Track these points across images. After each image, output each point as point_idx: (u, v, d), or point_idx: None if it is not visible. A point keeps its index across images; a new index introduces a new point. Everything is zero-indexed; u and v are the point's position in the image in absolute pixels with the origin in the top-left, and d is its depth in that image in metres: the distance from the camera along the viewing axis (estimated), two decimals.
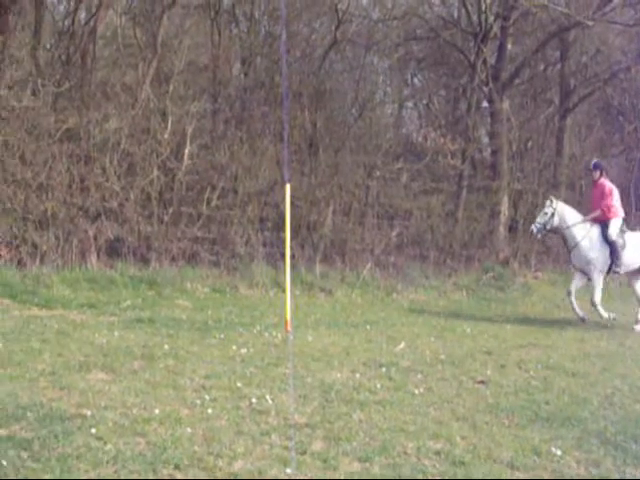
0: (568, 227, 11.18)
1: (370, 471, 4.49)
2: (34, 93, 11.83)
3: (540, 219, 11.37)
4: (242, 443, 4.79)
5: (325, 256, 12.85)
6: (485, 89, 16.61)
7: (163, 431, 4.91)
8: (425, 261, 14.20)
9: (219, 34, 14.66)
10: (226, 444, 4.73)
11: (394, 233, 14.12)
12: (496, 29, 16.66)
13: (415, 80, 21.74)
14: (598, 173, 11.45)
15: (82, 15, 14.77)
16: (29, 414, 5.07)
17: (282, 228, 11.27)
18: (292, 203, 8.70)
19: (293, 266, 8.73)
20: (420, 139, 17.87)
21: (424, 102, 21.22)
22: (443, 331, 9.34)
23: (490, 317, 10.66)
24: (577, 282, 11.20)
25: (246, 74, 15.08)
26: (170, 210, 11.67)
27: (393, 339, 8.49)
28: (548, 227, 11.30)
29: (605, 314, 10.83)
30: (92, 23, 13.92)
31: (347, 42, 16.02)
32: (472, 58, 16.36)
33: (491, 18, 16.22)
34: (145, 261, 11.11)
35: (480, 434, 5.19)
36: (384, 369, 6.91)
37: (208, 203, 12.16)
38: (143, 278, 10.59)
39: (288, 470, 4.40)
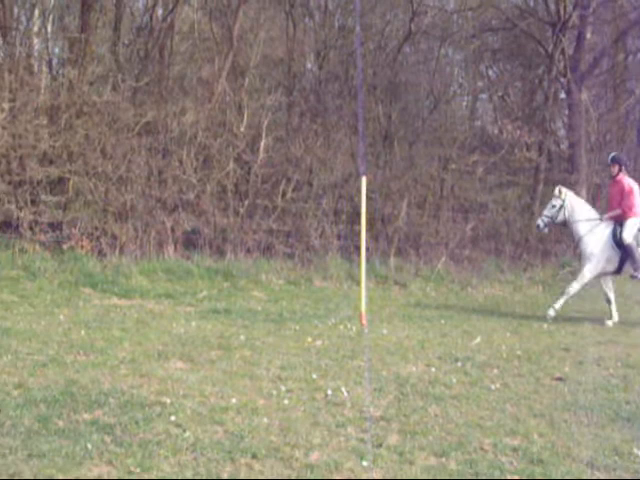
0: (576, 222, 10.45)
1: (446, 466, 4.45)
2: (114, 88, 12.09)
3: (547, 212, 10.61)
4: (318, 434, 4.81)
5: (399, 249, 12.80)
6: (563, 80, 16.25)
7: (240, 420, 4.97)
8: (500, 255, 14.00)
9: (294, 27, 14.71)
10: (302, 435, 4.76)
11: (469, 226, 13.97)
12: (575, 18, 16.25)
13: (490, 72, 21.41)
14: (617, 168, 10.56)
15: (160, 11, 15.03)
16: (111, 400, 5.21)
17: (356, 221, 11.28)
18: (367, 196, 8.67)
19: (367, 259, 8.71)
20: (496, 131, 17.63)
21: (499, 94, 20.88)
22: (519, 326, 9.20)
23: (567, 313, 10.45)
24: (605, 283, 10.46)
25: (320, 67, 15.10)
26: (246, 202, 11.80)
27: (468, 333, 8.40)
28: (556, 221, 10.56)
29: (557, 307, 10.12)
30: (169, 19, 14.14)
31: (422, 34, 15.88)
32: (549, 48, 16.02)
33: (570, 7, 15.84)
34: (221, 253, 11.27)
35: (558, 432, 5.09)
36: (460, 363, 6.84)
37: (283, 195, 12.24)
38: (219, 269, 10.73)
39: (364, 463, 4.40)
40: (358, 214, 10.25)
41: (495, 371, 6.68)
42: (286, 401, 5.41)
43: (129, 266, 10.31)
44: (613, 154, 10.91)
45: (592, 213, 10.58)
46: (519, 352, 7.48)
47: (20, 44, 12.22)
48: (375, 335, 7.90)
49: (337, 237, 12.29)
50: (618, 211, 10.39)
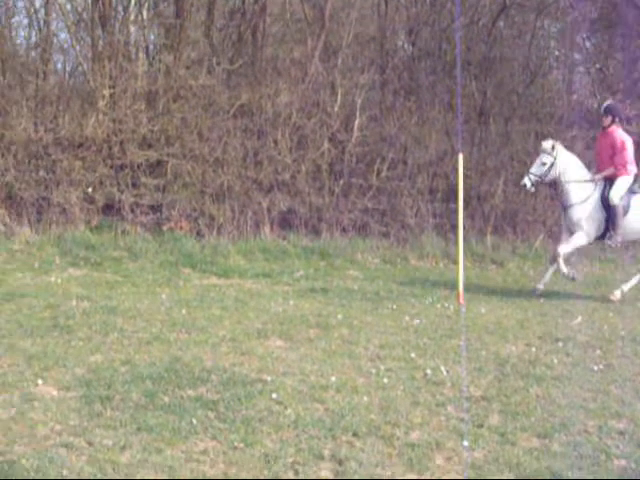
0: (568, 182, 9.35)
1: (550, 448, 4.39)
2: (209, 72, 12.25)
3: (536, 169, 9.41)
4: (418, 413, 4.82)
5: (496, 227, 12.56)
6: None
7: (340, 398, 5.02)
8: None
9: (385, 4, 14.54)
10: (402, 414, 4.77)
11: None
12: None
13: (588, 43, 20.69)
14: (610, 119, 9.43)
15: None
16: (213, 377, 5.34)
17: (452, 199, 11.15)
18: (462, 173, 8.57)
19: (464, 237, 8.58)
20: (595, 105, 17.04)
21: (597, 66, 20.16)
22: (622, 305, 8.92)
23: None
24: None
25: (413, 44, 14.91)
26: (340, 182, 11.79)
27: (569, 313, 8.20)
28: (545, 180, 9.44)
29: (565, 269, 9.25)
30: (262, 1, 14.22)
31: (516, 7, 15.47)
32: None
33: None
34: (316, 232, 11.32)
35: None
36: (560, 344, 6.71)
37: (378, 174, 12.17)
38: (315, 249, 10.79)
39: (465, 443, 4.38)
40: (453, 192, 10.14)
41: (598, 352, 6.52)
42: (385, 380, 5.42)
43: (227, 246, 10.49)
44: (607, 103, 9.86)
45: (585, 173, 9.49)
46: (622, 332, 7.27)
47: (118, 32, 12.53)
48: (473, 314, 7.82)
49: (432, 215, 12.14)
50: (611, 169, 9.37)
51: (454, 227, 8.79)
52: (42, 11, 13.31)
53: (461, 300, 8.40)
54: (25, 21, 14.03)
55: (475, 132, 13.35)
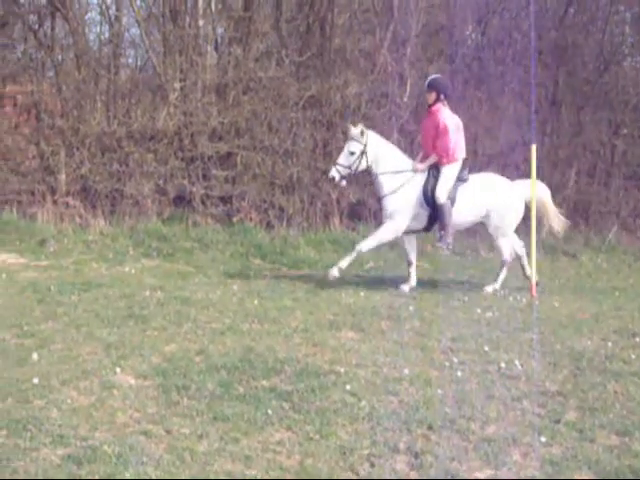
0: (380, 174, 8.28)
1: (630, 447, 4.28)
2: (278, 63, 12.32)
3: (343, 160, 8.27)
4: (493, 408, 4.76)
5: (568, 219, 12.31)
6: None
7: (414, 391, 5.00)
8: None
9: None
10: (478, 408, 4.73)
11: None
12: None
13: None
14: (434, 95, 8.23)
15: None
16: (287, 368, 5.37)
17: None
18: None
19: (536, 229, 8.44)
20: None
21: None
22: None
23: None
24: (408, 246, 8.58)
25: (483, 33, 14.71)
26: None
27: None
28: (357, 171, 8.35)
29: (343, 265, 8.26)
30: None
31: None
32: None
33: None
34: None
35: None
36: (638, 339, 6.53)
37: None
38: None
39: (542, 438, 4.32)
40: None
41: None
42: (459, 373, 5.38)
43: (296, 237, 10.55)
44: (431, 77, 8.56)
45: (402, 162, 8.37)
46: None
47: (188, 26, 12.68)
48: (546, 307, 7.69)
49: None
50: (434, 157, 8.25)
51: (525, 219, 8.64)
52: (113, 7, 13.58)
53: (534, 293, 8.28)
54: (97, 17, 14.37)
55: (547, 122, 13.10)
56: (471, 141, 12.03)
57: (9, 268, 9.08)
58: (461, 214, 8.31)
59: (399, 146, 11.14)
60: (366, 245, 8.40)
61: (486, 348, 6.00)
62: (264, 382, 5.10)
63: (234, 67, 11.98)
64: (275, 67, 12.12)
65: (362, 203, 11.43)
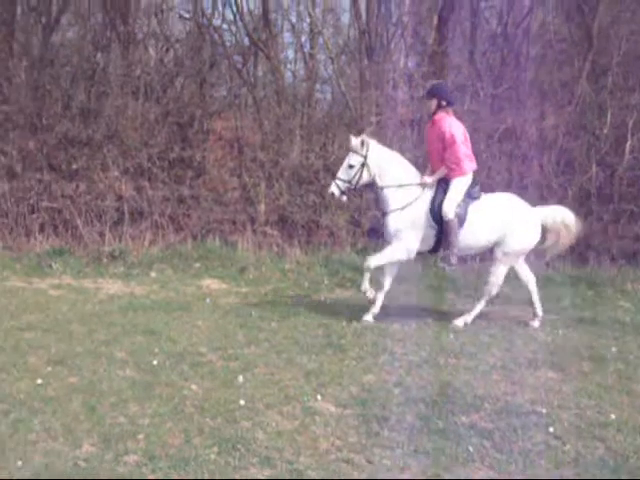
0: (386, 187, 7.69)
1: None
2: (473, 96, 12.30)
3: (343, 174, 7.71)
4: None
5: None
6: None
7: (622, 438, 4.79)
8: None
9: None
10: None
11: None
12: None
13: None
14: (435, 103, 7.69)
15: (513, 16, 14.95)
16: (486, 405, 5.32)
17: None
18: None
19: None
20: None
21: None
22: None
23: None
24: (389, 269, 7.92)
25: None
26: (610, 207, 11.26)
27: None
28: (358, 186, 7.79)
29: (367, 285, 7.76)
30: (525, 23, 14.02)
31: None
32: None
33: None
34: (583, 260, 10.85)
35: None
36: None
37: None
38: (581, 277, 10.34)
39: None
40: None
41: None
42: None
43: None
44: (431, 84, 8.06)
45: (408, 175, 7.78)
46: None
47: (383, 61, 12.96)
48: None
49: None
50: (443, 171, 7.63)
51: None
52: (307, 45, 14.20)
53: None
54: (291, 55, 15.08)
55: None
56: None
57: (212, 293, 9.61)
58: (473, 235, 7.72)
59: (597, 179, 10.86)
60: (378, 261, 7.86)
61: None
62: (463, 418, 5.07)
63: None
64: (470, 100, 12.09)
65: None
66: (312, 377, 5.92)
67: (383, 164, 7.77)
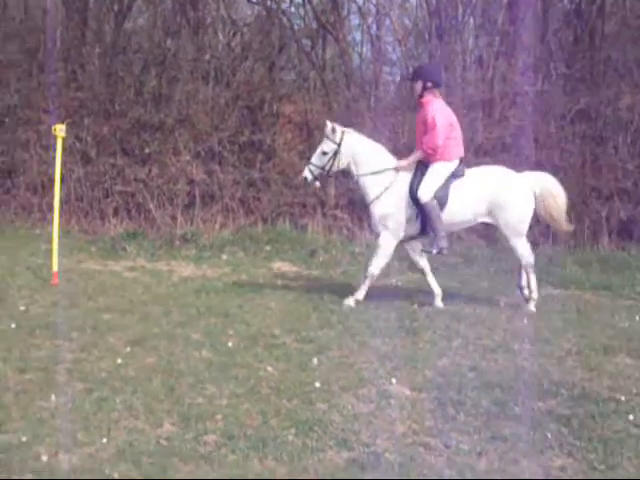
0: (362, 175, 7.66)
1: None
2: (545, 77, 12.07)
3: (317, 160, 7.71)
4: None
5: None
6: None
7: None
8: None
9: None
10: None
11: None
12: None
13: None
14: (420, 85, 7.49)
15: None
16: (563, 391, 5.25)
17: None
18: None
19: None
20: None
21: None
22: None
23: None
24: (415, 255, 7.97)
25: None
26: None
27: None
28: (330, 172, 7.80)
29: (360, 296, 7.77)
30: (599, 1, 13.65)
31: None
32: None
33: None
34: None
35: None
36: None
37: None
38: None
39: None
40: None
41: None
42: None
43: (564, 255, 10.22)
44: (417, 65, 7.89)
45: (383, 161, 7.68)
46: None
47: (453, 42, 12.81)
48: None
49: None
50: (419, 153, 7.55)
51: None
52: (374, 27, 14.11)
53: None
54: (358, 37, 14.99)
55: None
56: None
57: (283, 275, 9.72)
58: (456, 214, 7.60)
59: None
60: (376, 266, 7.90)
61: None
62: (540, 404, 5.02)
63: (500, 81, 11.91)
64: (542, 80, 11.87)
65: (634, 221, 10.83)
66: (386, 360, 5.93)
67: (357, 153, 7.74)
